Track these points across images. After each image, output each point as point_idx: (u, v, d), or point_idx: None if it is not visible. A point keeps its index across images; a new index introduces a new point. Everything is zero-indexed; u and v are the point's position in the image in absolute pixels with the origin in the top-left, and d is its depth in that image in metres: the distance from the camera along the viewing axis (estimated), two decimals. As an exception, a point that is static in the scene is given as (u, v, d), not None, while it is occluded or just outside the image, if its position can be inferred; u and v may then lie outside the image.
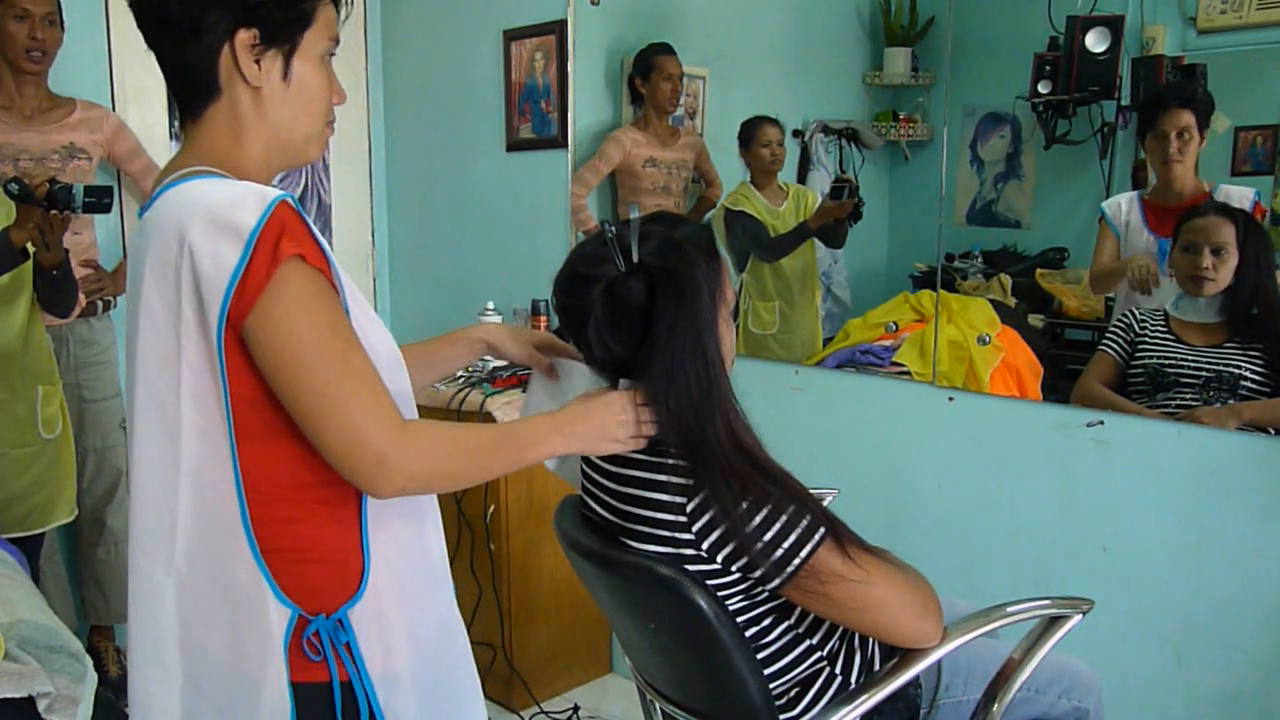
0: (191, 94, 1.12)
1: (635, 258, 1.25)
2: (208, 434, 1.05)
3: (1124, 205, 2.24)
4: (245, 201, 1.01)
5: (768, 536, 1.25)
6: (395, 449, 1.04)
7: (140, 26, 1.11)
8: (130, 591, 1.12)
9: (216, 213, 1.01)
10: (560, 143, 2.96)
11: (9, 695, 1.45)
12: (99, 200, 2.25)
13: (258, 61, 1.10)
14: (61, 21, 2.58)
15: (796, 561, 1.26)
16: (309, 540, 1.10)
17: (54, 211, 2.15)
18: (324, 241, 1.06)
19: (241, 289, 1.00)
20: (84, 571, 2.83)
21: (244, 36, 1.09)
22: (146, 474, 1.09)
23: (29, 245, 2.18)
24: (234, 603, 1.08)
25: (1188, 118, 2.10)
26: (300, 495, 1.09)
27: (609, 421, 1.25)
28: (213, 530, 1.07)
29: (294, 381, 1.02)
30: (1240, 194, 2.07)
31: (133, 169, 2.83)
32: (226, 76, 1.11)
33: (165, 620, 1.09)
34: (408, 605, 1.15)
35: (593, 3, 2.89)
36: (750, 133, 2.87)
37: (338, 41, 1.18)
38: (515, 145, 3.11)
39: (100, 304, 2.75)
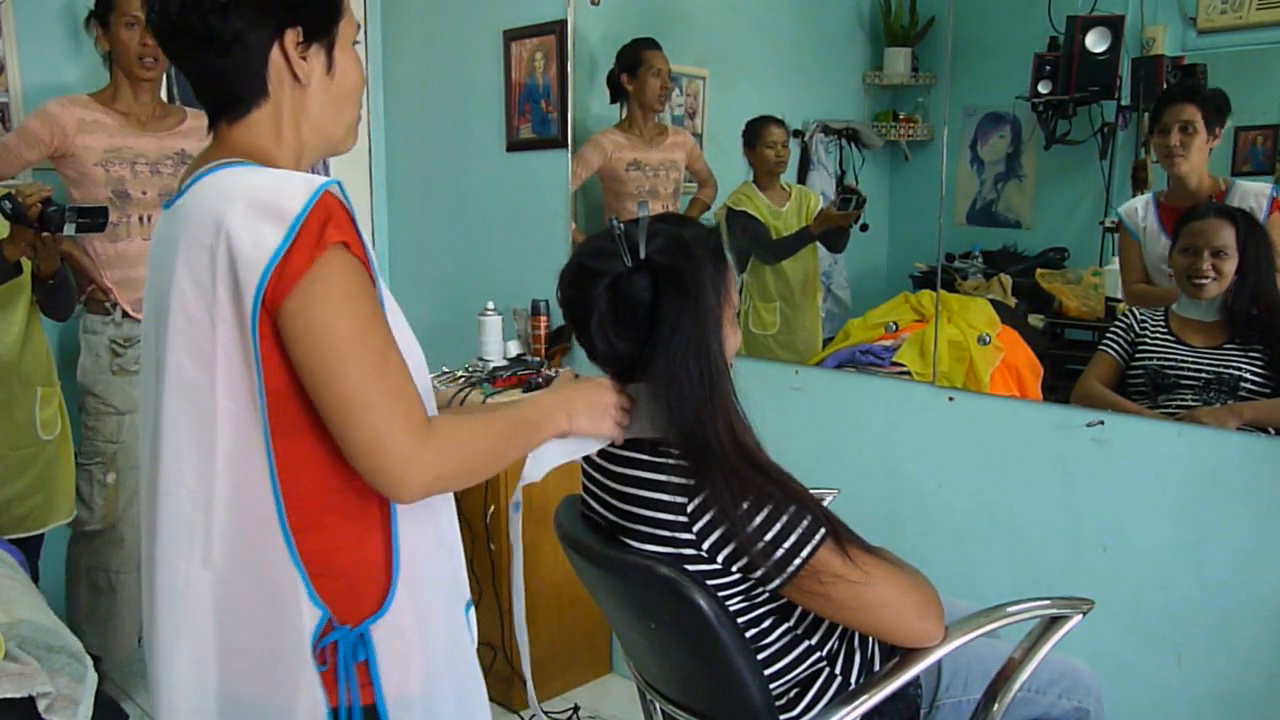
0: (235, 100, 1.10)
1: (642, 254, 1.26)
2: (243, 423, 1.03)
3: (1140, 209, 2.21)
4: (290, 186, 1.00)
5: (768, 537, 1.25)
6: (421, 451, 1.02)
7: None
8: (155, 588, 1.08)
9: (259, 196, 1.00)
10: (560, 143, 2.96)
11: (9, 695, 1.45)
12: (93, 220, 2.26)
13: (304, 58, 1.10)
14: None
15: (797, 562, 1.26)
16: (337, 546, 1.07)
17: (45, 233, 2.16)
18: (364, 234, 1.05)
19: (281, 271, 0.97)
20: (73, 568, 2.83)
21: (291, 36, 1.08)
22: (179, 463, 1.05)
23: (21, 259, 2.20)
24: (269, 601, 1.05)
25: (1191, 111, 2.08)
26: (328, 498, 1.07)
27: (605, 400, 1.27)
28: (250, 523, 1.04)
29: (326, 374, 1.00)
30: (1258, 191, 2.04)
31: None
32: (276, 78, 1.10)
33: (201, 618, 1.05)
34: (425, 623, 1.12)
35: (593, 3, 2.89)
36: (755, 133, 2.86)
37: (359, 26, 1.19)
38: (515, 145, 3.11)
39: None
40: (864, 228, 2.78)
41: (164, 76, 2.85)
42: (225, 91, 1.10)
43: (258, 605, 1.05)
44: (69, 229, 2.21)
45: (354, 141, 1.21)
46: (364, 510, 1.09)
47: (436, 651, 1.13)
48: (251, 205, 0.99)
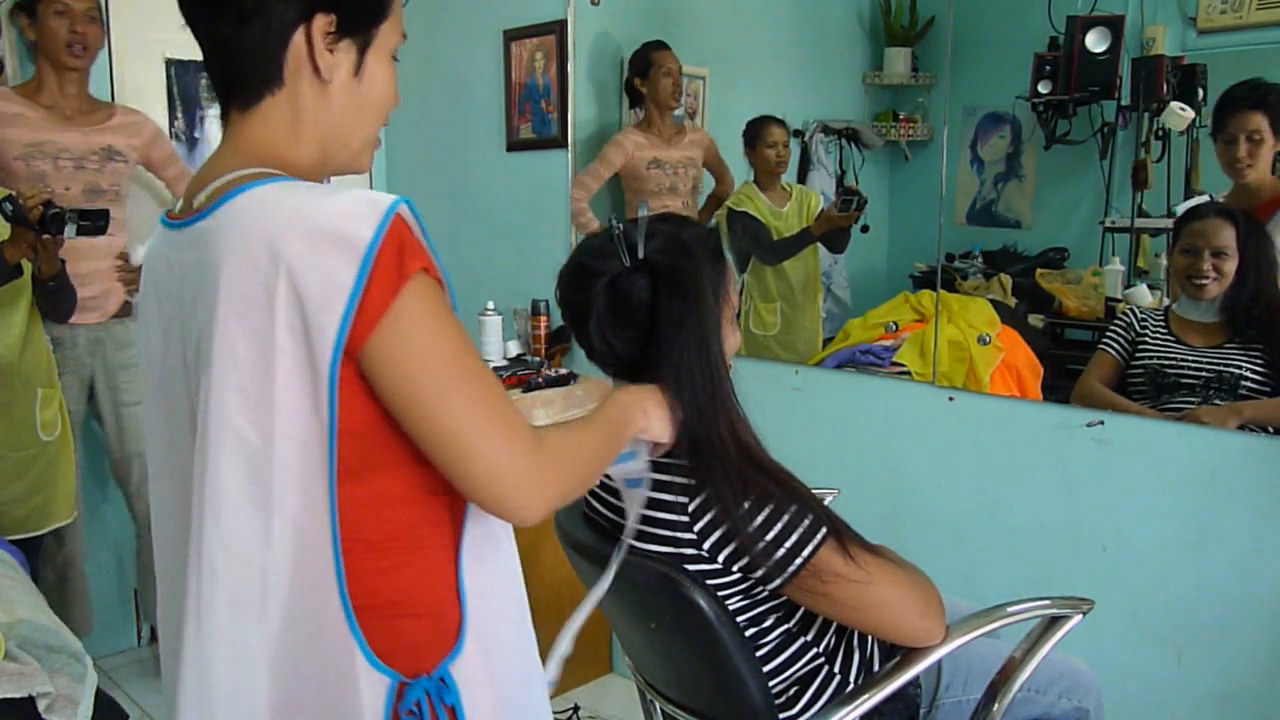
0: (246, 82, 1.00)
1: (641, 254, 1.26)
2: (305, 479, 0.92)
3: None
4: (354, 208, 0.89)
5: (769, 537, 1.25)
6: (540, 471, 0.96)
7: (186, 3, 0.99)
8: (199, 651, 0.95)
9: (320, 223, 0.88)
10: (560, 143, 2.96)
11: (9, 695, 1.44)
12: (93, 224, 2.26)
13: (331, 51, 0.99)
14: (103, 20, 2.59)
15: (798, 562, 1.26)
16: (405, 591, 0.98)
17: (46, 236, 2.16)
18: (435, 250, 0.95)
19: (361, 310, 0.87)
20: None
21: (321, 22, 0.97)
22: (232, 523, 0.92)
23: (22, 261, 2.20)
24: (325, 671, 0.95)
25: (1258, 120, 2.02)
26: (396, 541, 0.98)
27: (665, 402, 1.26)
28: (307, 586, 0.94)
29: (429, 408, 0.91)
30: None
31: (167, 174, 2.84)
32: (294, 65, 0.99)
33: (257, 687, 0.95)
34: (499, 655, 1.05)
35: (593, 3, 2.89)
36: (756, 133, 2.87)
37: (404, 38, 1.07)
38: (515, 145, 3.11)
39: (135, 304, 2.75)
40: (864, 229, 2.78)
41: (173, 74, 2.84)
42: (236, 70, 0.99)
43: (316, 671, 0.95)
44: (69, 231, 2.20)
45: (369, 162, 1.08)
46: (434, 543, 1.01)
47: (512, 682, 1.06)
48: (313, 234, 0.88)
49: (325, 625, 0.94)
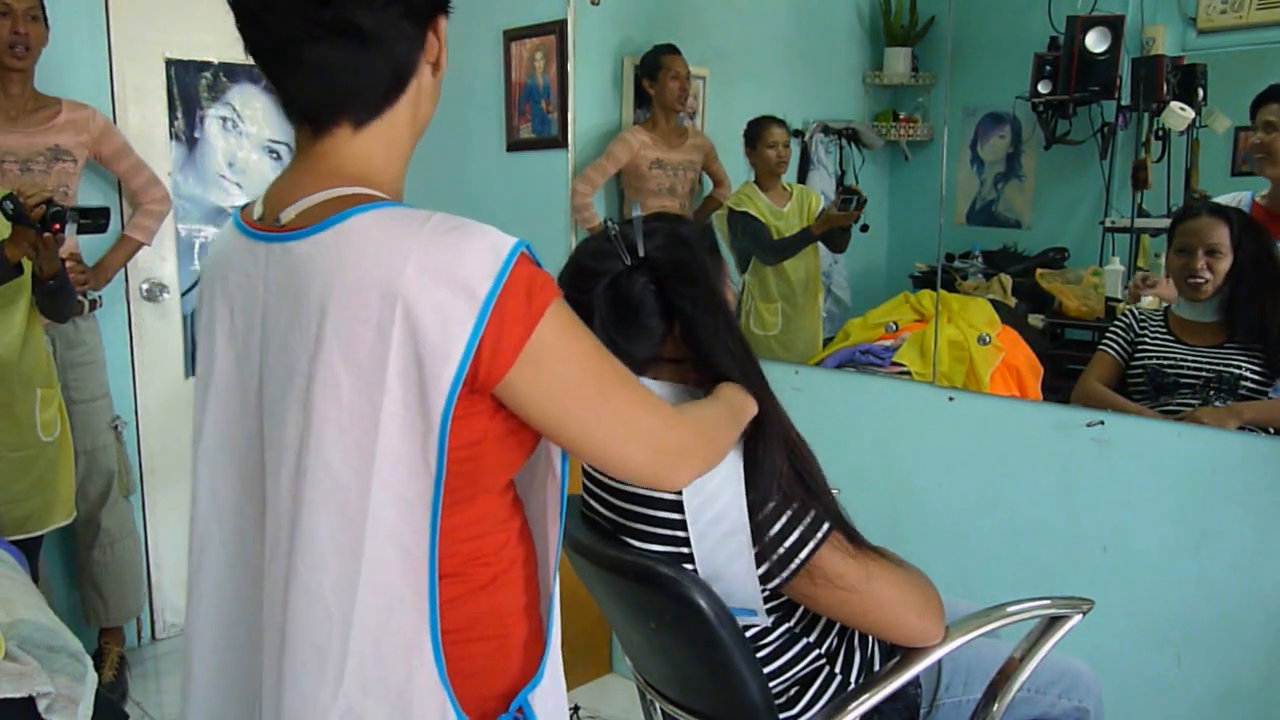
0: (362, 101, 0.94)
1: (641, 252, 1.26)
2: (401, 533, 0.89)
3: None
4: (478, 254, 0.86)
5: (771, 533, 1.25)
6: (690, 443, 1.03)
7: (279, 28, 0.91)
8: (284, 717, 0.92)
9: (444, 269, 0.85)
10: (560, 143, 2.96)
11: (9, 695, 1.44)
12: (95, 222, 2.26)
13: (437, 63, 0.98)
14: (45, 18, 2.56)
15: (800, 558, 1.26)
16: (502, 622, 0.99)
17: (47, 234, 2.16)
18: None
19: (493, 349, 0.86)
20: (81, 575, 2.83)
21: (442, 24, 0.96)
22: (317, 578, 0.89)
23: (23, 260, 2.19)
24: None
25: None
26: (475, 569, 0.97)
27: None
28: (392, 644, 0.90)
29: (585, 419, 0.93)
30: None
31: (120, 169, 2.80)
32: (413, 81, 0.96)
33: None
34: (561, 683, 1.07)
35: (593, 3, 2.89)
36: (756, 133, 2.87)
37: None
38: (515, 145, 3.11)
39: (86, 304, 2.74)
40: (864, 228, 2.79)
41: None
42: (350, 90, 0.93)
43: None
44: (70, 229, 2.20)
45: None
46: (510, 572, 1.01)
47: (560, 690, 1.08)
48: (433, 274, 0.85)
49: (415, 685, 0.91)
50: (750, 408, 1.24)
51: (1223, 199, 2.17)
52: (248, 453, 0.98)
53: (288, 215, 0.93)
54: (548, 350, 0.89)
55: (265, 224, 0.96)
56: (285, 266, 0.92)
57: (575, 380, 0.92)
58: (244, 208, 1.02)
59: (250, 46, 0.94)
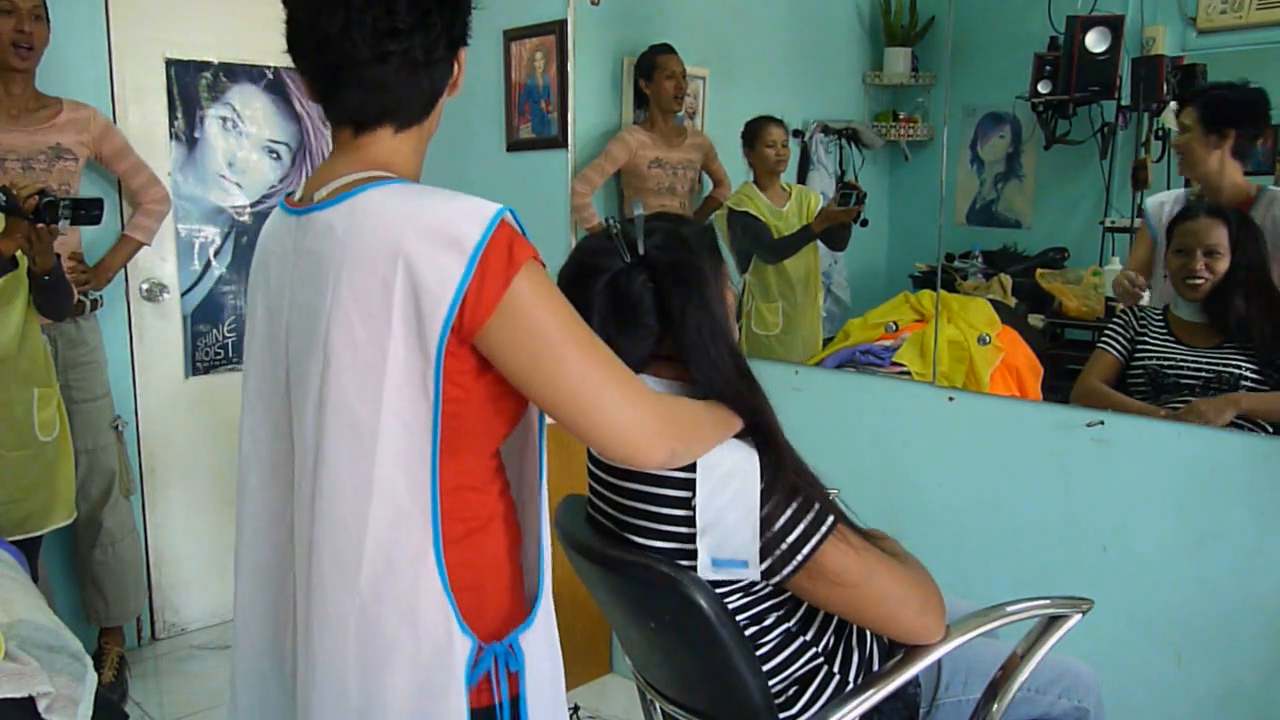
0: (404, 113, 1.11)
1: (641, 250, 1.27)
2: (408, 458, 1.03)
3: (1168, 206, 2.19)
4: (465, 213, 1.01)
5: (774, 529, 1.25)
6: (662, 423, 1.09)
7: (336, 50, 1.05)
8: (312, 616, 1.07)
9: (438, 226, 1.00)
10: (560, 143, 2.96)
11: (9, 695, 1.44)
12: (87, 213, 2.25)
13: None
14: (48, 18, 2.57)
15: (803, 554, 1.26)
16: (491, 563, 1.11)
17: (40, 225, 2.15)
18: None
19: (476, 298, 0.99)
20: (82, 574, 2.83)
21: (463, 53, 1.14)
22: (336, 496, 1.04)
23: (18, 254, 2.19)
24: (417, 636, 1.04)
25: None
26: (485, 516, 1.10)
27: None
28: (402, 558, 1.04)
29: (552, 372, 1.02)
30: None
31: (120, 169, 2.80)
32: (444, 95, 1.15)
33: (346, 652, 1.05)
34: (554, 634, 1.16)
35: (593, 3, 2.89)
36: (755, 133, 2.87)
37: None
38: (515, 145, 3.11)
39: (88, 304, 2.74)
40: (863, 223, 2.78)
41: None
42: (394, 104, 1.09)
43: (403, 638, 1.04)
44: (64, 221, 2.20)
45: None
46: (498, 525, 1.12)
47: (555, 660, 1.17)
48: (429, 234, 1.00)
49: (421, 592, 1.04)
50: (733, 425, 1.26)
51: (1160, 196, 2.21)
52: (278, 396, 1.13)
53: (320, 194, 1.10)
54: (523, 302, 1.01)
55: (301, 202, 1.13)
56: (311, 233, 1.08)
57: (546, 335, 1.02)
58: (289, 194, 1.18)
59: (308, 59, 1.09)
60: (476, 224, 1.00)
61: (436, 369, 1.01)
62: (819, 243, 2.86)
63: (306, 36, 1.07)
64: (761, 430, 1.28)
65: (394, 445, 1.02)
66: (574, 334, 1.04)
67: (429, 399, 1.01)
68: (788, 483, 1.26)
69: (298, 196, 1.14)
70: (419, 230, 1.00)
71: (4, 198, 2.10)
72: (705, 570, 1.27)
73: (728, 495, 1.25)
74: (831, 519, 1.28)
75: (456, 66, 1.14)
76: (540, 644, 1.13)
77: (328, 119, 1.13)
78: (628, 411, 1.06)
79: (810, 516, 1.26)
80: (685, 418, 1.17)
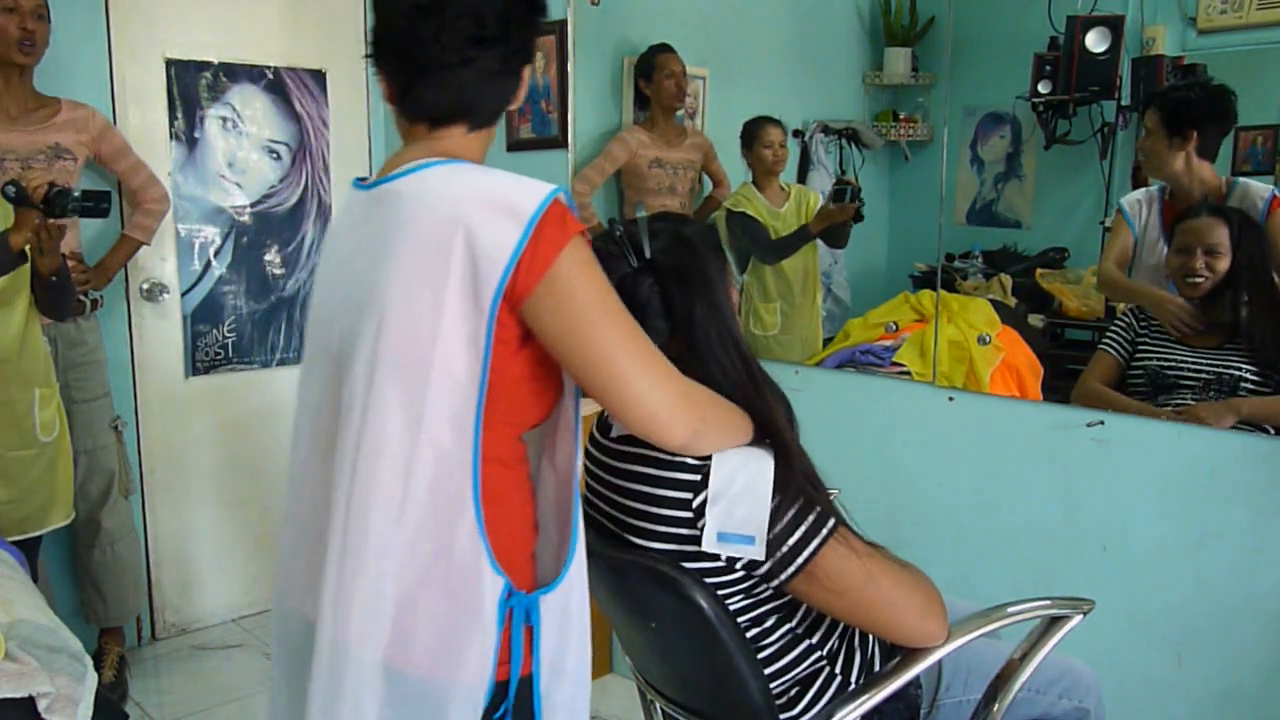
0: (480, 114, 1.21)
1: (647, 253, 1.27)
2: (453, 407, 1.09)
3: (1143, 204, 2.20)
4: (523, 189, 1.10)
5: (777, 529, 1.25)
6: (688, 401, 1.14)
7: (425, 55, 1.15)
8: (347, 556, 1.12)
9: (496, 197, 1.09)
10: (560, 143, 2.96)
11: (9, 695, 1.44)
12: (96, 205, 2.25)
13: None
14: (49, 17, 2.57)
15: (803, 557, 1.26)
16: (516, 532, 1.17)
17: (50, 219, 2.15)
18: None
19: (528, 264, 1.06)
20: (81, 574, 2.83)
21: (527, 70, 1.25)
22: (384, 441, 1.10)
23: (27, 249, 2.19)
24: (451, 572, 1.11)
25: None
26: (519, 489, 1.18)
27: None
28: (443, 499, 1.11)
29: (587, 339, 1.09)
30: (1259, 189, 2.03)
31: (119, 168, 2.80)
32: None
33: (386, 590, 1.11)
34: (580, 603, 1.20)
35: (593, 3, 2.89)
36: (752, 133, 2.87)
37: None
38: (515, 145, 3.11)
39: (87, 304, 2.73)
40: (859, 218, 2.78)
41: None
42: (474, 105, 1.20)
43: (439, 573, 1.11)
44: (73, 212, 2.20)
45: None
46: (522, 503, 1.19)
47: (582, 631, 1.21)
48: (490, 203, 1.09)
49: (459, 533, 1.11)
50: (746, 432, 1.28)
51: (1135, 194, 2.22)
52: (328, 356, 1.20)
53: (393, 175, 1.19)
54: (568, 272, 1.08)
55: (372, 180, 1.23)
56: (380, 202, 1.18)
57: (585, 302, 1.09)
58: (362, 178, 1.27)
59: (395, 59, 1.19)
60: (533, 197, 1.08)
61: (489, 327, 1.08)
62: (819, 242, 2.86)
63: (399, 37, 1.17)
64: (771, 434, 1.28)
65: (442, 395, 1.09)
66: (611, 307, 1.11)
67: (479, 355, 1.09)
68: (794, 486, 1.26)
69: (372, 178, 1.23)
70: (480, 200, 1.09)
71: (14, 190, 2.10)
72: (710, 543, 1.26)
73: (738, 473, 1.26)
74: (833, 522, 1.28)
75: (521, 81, 1.24)
76: (569, 610, 1.18)
77: (402, 114, 1.22)
78: (657, 385, 1.12)
79: (811, 520, 1.26)
80: (712, 406, 1.22)
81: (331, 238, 1.28)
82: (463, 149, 1.21)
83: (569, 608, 1.19)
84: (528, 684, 1.16)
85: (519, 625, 1.14)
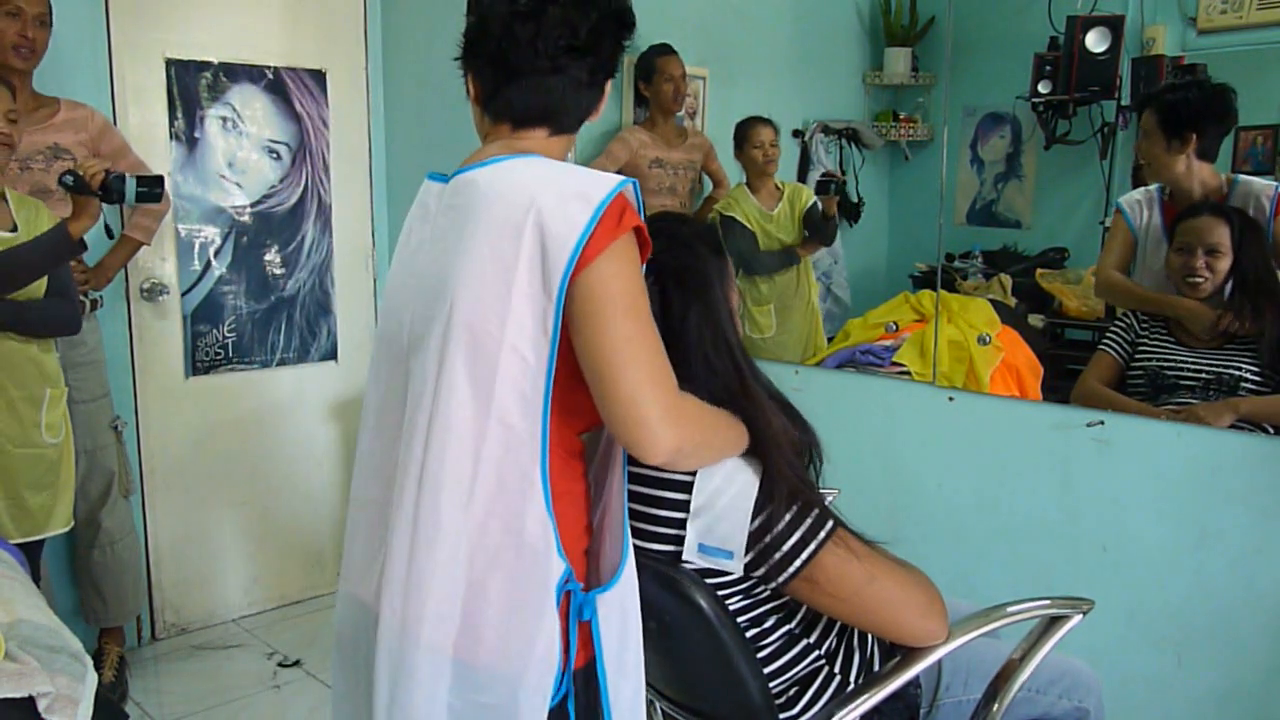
0: (562, 120, 1.26)
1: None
2: (522, 386, 1.12)
3: (1143, 204, 2.18)
4: (596, 179, 1.14)
5: (775, 531, 1.25)
6: (676, 413, 1.12)
7: (529, 66, 1.21)
8: (419, 536, 1.14)
9: (571, 185, 1.13)
10: (560, 142, 2.96)
11: (9, 695, 1.44)
12: (151, 190, 2.28)
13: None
14: (51, 23, 2.57)
15: (803, 557, 1.26)
16: (576, 517, 1.19)
17: (108, 205, 2.17)
18: None
19: (593, 247, 1.09)
20: (81, 574, 2.82)
21: (608, 85, 1.30)
22: (454, 420, 1.12)
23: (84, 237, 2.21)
24: (519, 553, 1.13)
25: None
26: (576, 479, 1.20)
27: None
28: (512, 478, 1.13)
29: (602, 328, 1.10)
30: (1262, 186, 2.02)
31: (119, 167, 2.79)
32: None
33: (457, 575, 1.13)
34: (635, 601, 1.22)
35: (593, 3, 2.89)
36: (743, 134, 2.88)
37: None
38: (515, 145, 3.11)
39: (88, 304, 2.73)
40: (857, 217, 2.78)
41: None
42: (560, 110, 1.25)
43: (509, 555, 1.13)
44: (130, 197, 2.23)
45: None
46: (609, 487, 1.23)
47: (637, 630, 1.22)
48: (563, 190, 1.12)
49: (529, 514, 1.13)
50: (743, 443, 1.27)
51: (1134, 194, 2.21)
52: (398, 344, 1.23)
53: (472, 165, 1.22)
54: (610, 263, 1.11)
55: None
56: (458, 191, 1.21)
57: (610, 295, 1.11)
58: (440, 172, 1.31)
59: (488, 61, 1.25)
60: (604, 185, 1.12)
61: (557, 307, 1.10)
62: (816, 241, 2.86)
63: (495, 40, 1.22)
64: (762, 443, 1.28)
65: (512, 374, 1.11)
66: (637, 307, 1.12)
67: (548, 335, 1.11)
68: (785, 490, 1.26)
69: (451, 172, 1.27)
70: (554, 186, 1.13)
71: (72, 179, 2.13)
72: (691, 553, 1.27)
73: (724, 488, 1.25)
74: (831, 524, 1.28)
75: (603, 95, 1.29)
76: (613, 615, 1.18)
77: (488, 114, 1.28)
78: (654, 392, 1.11)
79: (808, 522, 1.26)
80: (703, 424, 1.20)
81: (405, 233, 1.30)
82: (543, 150, 1.24)
83: (626, 606, 1.20)
84: (587, 676, 1.17)
85: (574, 616, 1.15)
